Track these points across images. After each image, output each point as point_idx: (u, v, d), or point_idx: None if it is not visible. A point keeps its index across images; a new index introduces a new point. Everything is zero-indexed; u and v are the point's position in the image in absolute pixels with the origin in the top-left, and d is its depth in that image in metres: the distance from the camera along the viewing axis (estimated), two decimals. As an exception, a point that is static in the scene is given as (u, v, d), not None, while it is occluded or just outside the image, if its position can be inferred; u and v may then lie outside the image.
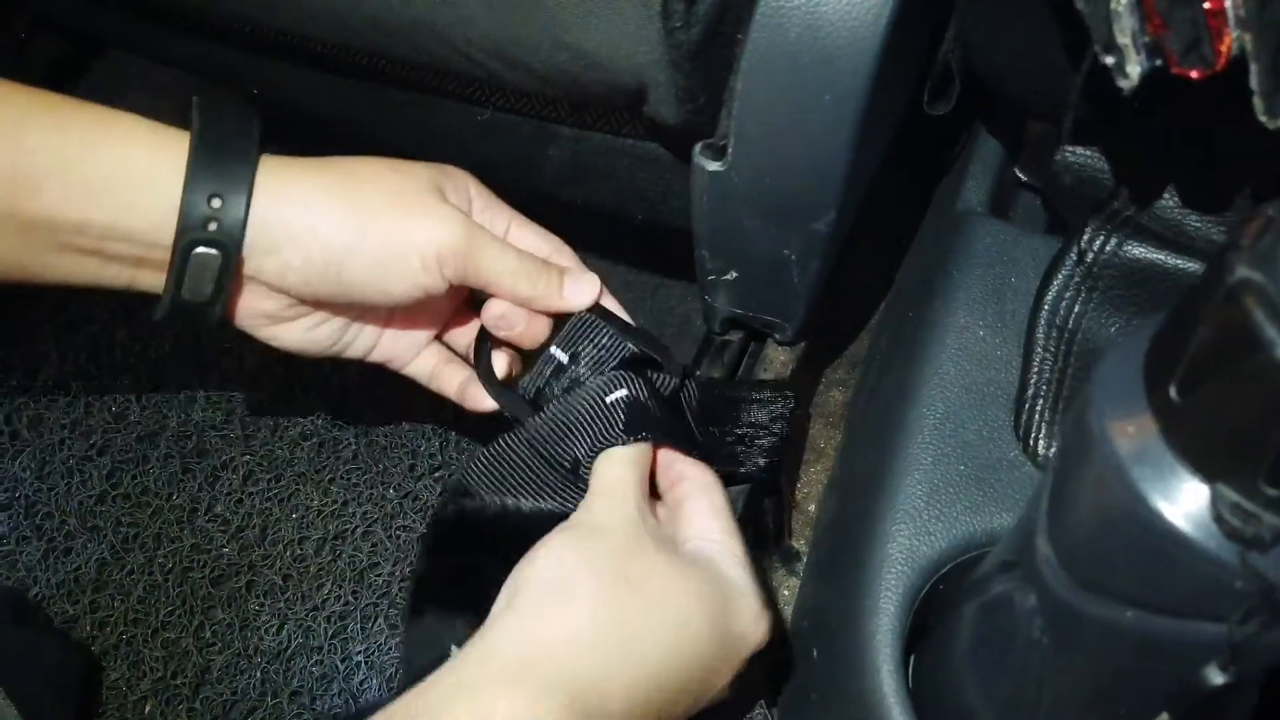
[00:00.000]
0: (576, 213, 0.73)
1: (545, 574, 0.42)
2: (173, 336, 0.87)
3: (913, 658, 0.49)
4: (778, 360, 0.65)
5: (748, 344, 0.67)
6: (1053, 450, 0.50)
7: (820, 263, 0.53)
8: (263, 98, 0.76)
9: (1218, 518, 0.26)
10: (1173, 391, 0.26)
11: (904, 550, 0.48)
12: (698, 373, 0.62)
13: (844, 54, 0.43)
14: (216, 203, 0.45)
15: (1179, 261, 0.50)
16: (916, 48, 0.52)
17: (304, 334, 0.53)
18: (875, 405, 0.59)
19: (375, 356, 0.57)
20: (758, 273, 0.55)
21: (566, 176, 0.66)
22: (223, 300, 0.48)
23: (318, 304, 0.51)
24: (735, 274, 0.55)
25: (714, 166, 0.49)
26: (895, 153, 0.58)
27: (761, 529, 0.66)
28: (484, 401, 0.56)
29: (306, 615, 0.73)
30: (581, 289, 0.55)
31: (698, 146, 0.49)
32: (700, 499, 0.48)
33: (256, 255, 0.47)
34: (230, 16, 0.63)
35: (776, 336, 0.63)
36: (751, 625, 0.44)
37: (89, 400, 0.80)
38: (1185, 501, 0.27)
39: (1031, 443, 0.50)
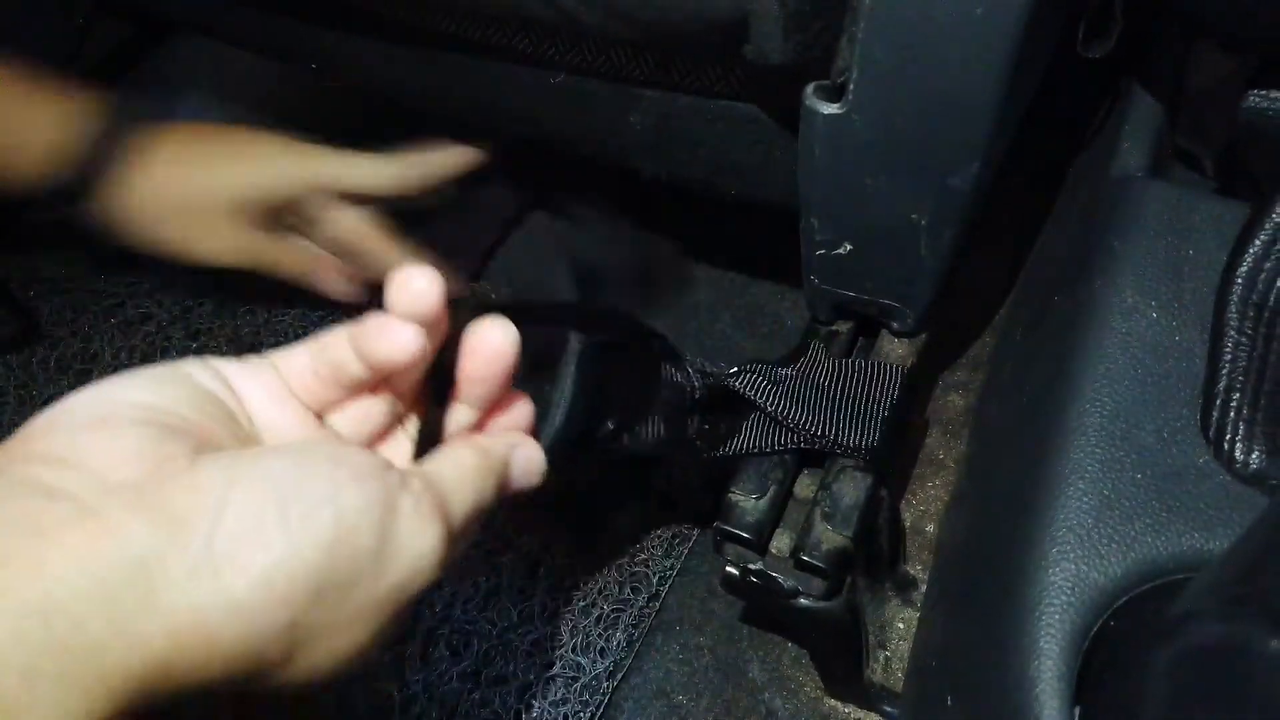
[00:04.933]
0: (661, 191, 0.65)
1: None
2: (227, 338, 0.83)
3: (1077, 710, 0.39)
4: (893, 355, 0.56)
5: (856, 337, 0.58)
6: (1255, 456, 0.40)
7: (955, 230, 0.45)
8: (322, 73, 0.71)
9: None
10: None
11: (1069, 578, 0.39)
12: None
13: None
14: None
15: None
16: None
17: None
18: (1016, 406, 0.50)
19: None
20: (878, 244, 0.46)
21: (650, 147, 0.58)
22: None
23: None
24: (850, 246, 0.47)
25: (830, 109, 0.40)
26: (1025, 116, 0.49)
27: (873, 553, 0.57)
28: None
29: (361, 638, 0.66)
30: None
31: (810, 87, 0.41)
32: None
33: None
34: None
35: (894, 325, 0.54)
36: None
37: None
38: None
39: (1226, 447, 0.40)
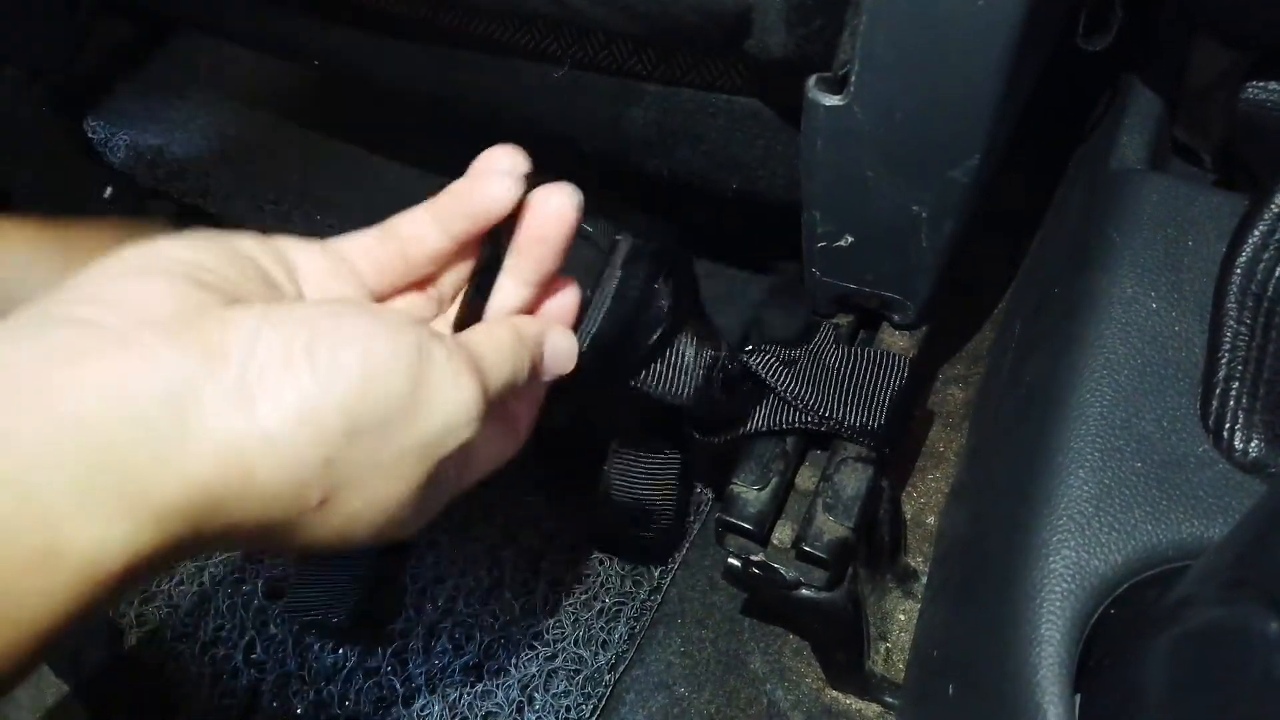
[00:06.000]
0: (662, 187, 0.66)
1: None
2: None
3: (1079, 698, 0.40)
4: (894, 348, 0.56)
5: (857, 330, 0.59)
6: (1253, 444, 0.41)
7: (955, 223, 0.45)
8: (327, 70, 0.71)
9: None
10: None
11: (1069, 565, 0.39)
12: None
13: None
14: None
15: None
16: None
17: None
18: (1016, 397, 0.50)
19: None
20: (879, 236, 0.46)
21: (652, 142, 0.58)
22: None
23: None
24: (851, 239, 0.47)
25: (832, 101, 0.41)
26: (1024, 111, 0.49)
27: (874, 544, 0.58)
28: None
29: (364, 632, 0.66)
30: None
31: (811, 80, 0.42)
32: None
33: None
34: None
35: (895, 318, 0.54)
36: None
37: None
38: None
39: (1225, 435, 0.41)
